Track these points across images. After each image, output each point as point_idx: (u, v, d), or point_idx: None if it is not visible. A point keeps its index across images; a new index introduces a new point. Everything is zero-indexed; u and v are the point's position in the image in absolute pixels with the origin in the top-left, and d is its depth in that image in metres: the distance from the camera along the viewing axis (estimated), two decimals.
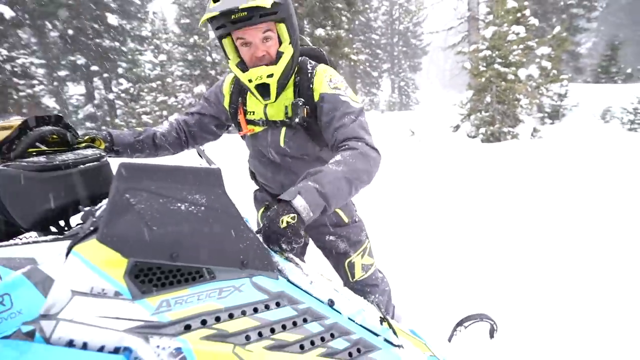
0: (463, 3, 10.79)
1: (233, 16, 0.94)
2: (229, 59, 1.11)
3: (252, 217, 1.53)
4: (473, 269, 2.39)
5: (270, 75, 1.05)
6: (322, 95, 1.10)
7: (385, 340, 0.74)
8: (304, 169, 1.20)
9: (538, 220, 3.19)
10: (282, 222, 0.79)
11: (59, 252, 0.56)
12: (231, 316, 0.60)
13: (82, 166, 0.71)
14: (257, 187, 1.44)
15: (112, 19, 14.89)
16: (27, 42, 13.39)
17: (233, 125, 1.32)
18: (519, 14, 8.72)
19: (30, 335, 0.48)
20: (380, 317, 0.80)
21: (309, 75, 1.13)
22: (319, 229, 1.35)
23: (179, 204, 0.60)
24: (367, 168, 0.99)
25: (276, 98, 1.11)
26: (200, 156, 0.84)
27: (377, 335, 0.73)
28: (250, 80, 1.06)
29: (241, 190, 1.68)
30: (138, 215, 0.54)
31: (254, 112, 1.20)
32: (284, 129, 1.17)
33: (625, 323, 1.73)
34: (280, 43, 1.06)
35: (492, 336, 1.36)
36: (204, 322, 0.57)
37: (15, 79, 9.95)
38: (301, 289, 0.71)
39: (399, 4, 28.41)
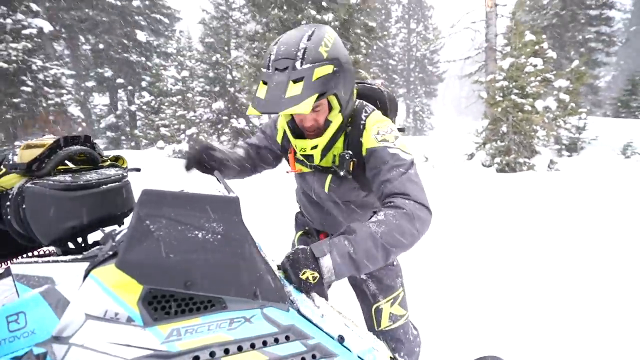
0: (480, 34, 10.96)
1: None
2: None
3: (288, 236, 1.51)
4: (484, 302, 2.30)
5: (315, 147, 1.03)
6: (369, 150, 1.03)
7: None
8: (346, 213, 1.23)
9: (551, 254, 3.08)
10: (304, 274, 0.76)
11: (76, 274, 0.57)
12: (240, 349, 0.59)
13: (104, 186, 0.73)
14: (299, 212, 1.46)
15: (141, 36, 15.71)
16: (61, 53, 14.19)
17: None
18: (536, 47, 8.78)
19: (41, 358, 0.48)
20: (391, 358, 0.78)
21: (361, 127, 1.07)
22: None
23: (196, 232, 0.60)
24: (411, 231, 0.88)
25: (321, 160, 1.08)
26: (219, 181, 0.85)
27: None
28: (296, 146, 1.08)
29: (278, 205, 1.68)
30: (157, 242, 0.55)
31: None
32: (330, 176, 1.16)
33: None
34: (331, 109, 1.02)
35: None
36: (212, 354, 0.56)
37: (46, 88, 10.47)
38: (312, 323, 0.70)
39: (417, 32, 29.06)
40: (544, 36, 9.60)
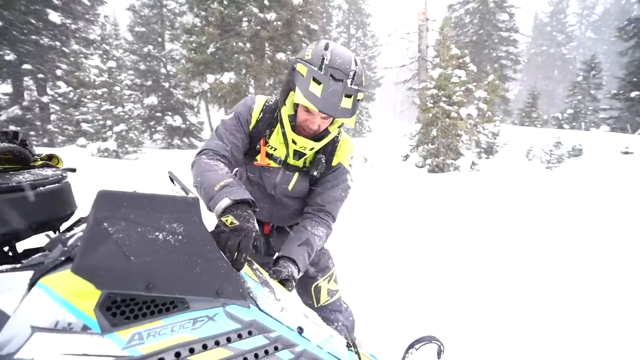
0: (414, 44, 11.88)
1: None
2: (285, 104, 1.17)
3: None
4: (419, 291, 2.54)
5: (312, 149, 1.19)
6: (341, 165, 1.27)
7: None
8: (296, 207, 1.37)
9: (472, 245, 3.51)
10: (282, 283, 1.02)
11: (16, 285, 0.52)
12: (205, 347, 0.59)
13: (41, 188, 0.67)
14: None
15: (54, 16, 13.75)
16: None
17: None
18: (460, 60, 9.83)
19: None
20: (347, 343, 0.84)
21: (336, 142, 1.28)
22: None
23: (156, 233, 0.59)
24: (323, 244, 1.25)
25: (298, 160, 1.25)
26: (174, 182, 0.83)
27: None
28: (294, 142, 1.17)
29: None
30: (116, 245, 0.53)
31: (275, 149, 1.25)
32: (296, 175, 1.26)
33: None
34: (332, 121, 1.18)
35: (439, 356, 1.46)
36: (177, 355, 0.56)
37: None
38: (272, 317, 0.73)
39: (356, 38, 30.29)
40: (466, 51, 10.78)
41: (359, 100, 1.09)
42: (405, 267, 3.00)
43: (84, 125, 11.93)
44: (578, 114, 18.90)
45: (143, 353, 0.53)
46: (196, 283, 0.62)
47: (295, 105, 1.17)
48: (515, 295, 2.49)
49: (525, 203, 5.20)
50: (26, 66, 13.57)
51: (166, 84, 17.87)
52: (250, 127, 1.25)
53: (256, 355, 0.64)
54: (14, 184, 0.64)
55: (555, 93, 36.45)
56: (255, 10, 10.71)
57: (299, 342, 0.72)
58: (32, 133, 14.33)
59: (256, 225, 0.84)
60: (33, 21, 13.26)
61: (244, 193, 0.92)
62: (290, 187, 1.27)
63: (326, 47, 1.07)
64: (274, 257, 1.48)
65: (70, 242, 0.56)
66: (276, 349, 0.68)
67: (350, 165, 1.30)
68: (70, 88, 13.75)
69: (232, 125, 1.21)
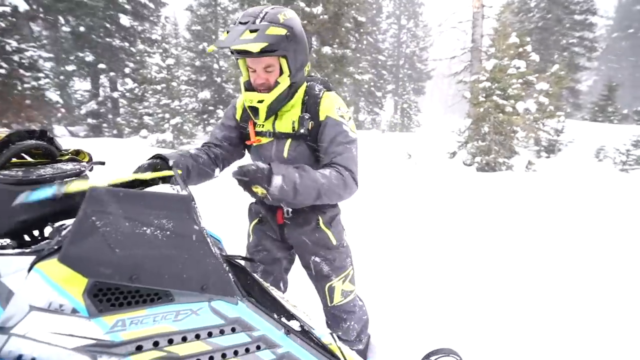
0: (467, 34, 11.12)
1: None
2: (242, 74, 1.25)
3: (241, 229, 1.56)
4: (458, 298, 2.40)
5: (261, 101, 1.19)
6: (329, 117, 1.25)
7: None
8: None
9: (526, 251, 3.22)
10: (256, 188, 1.04)
11: (23, 267, 0.59)
12: (184, 339, 0.62)
13: (59, 181, 0.74)
14: (254, 200, 1.49)
15: (125, 20, 15.19)
16: (38, 35, 13.59)
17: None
18: (520, 49, 8.99)
19: None
20: (340, 350, 0.83)
21: (317, 98, 1.27)
22: (306, 248, 1.40)
23: (144, 228, 0.63)
24: (341, 193, 1.19)
25: (265, 120, 1.25)
26: (176, 179, 0.87)
27: None
28: (250, 102, 1.21)
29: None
30: (102, 238, 0.57)
31: (263, 125, 1.31)
32: (289, 141, 1.28)
33: None
34: (281, 73, 1.19)
35: None
36: (156, 344, 0.59)
37: (21, 71, 10.03)
38: (259, 316, 0.74)
39: (407, 28, 29.14)
40: (528, 39, 9.83)
41: (276, 34, 1.07)
42: (441, 272, 2.85)
43: (146, 118, 13.08)
44: None
45: (123, 339, 0.57)
46: (181, 277, 0.65)
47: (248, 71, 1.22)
48: (557, 316, 2.25)
49: (589, 208, 4.64)
50: (101, 65, 15.22)
51: (218, 79, 18.84)
52: (238, 116, 1.37)
53: (235, 352, 0.66)
54: (35, 177, 0.72)
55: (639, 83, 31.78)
56: (303, 4, 10.78)
57: (284, 343, 0.72)
58: (104, 125, 16.09)
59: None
60: (108, 25, 14.79)
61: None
62: (285, 154, 1.28)
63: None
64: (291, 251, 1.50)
65: (64, 232, 0.62)
66: (258, 347, 0.69)
67: (341, 116, 1.26)
68: (136, 84, 15.13)
69: (221, 121, 1.41)
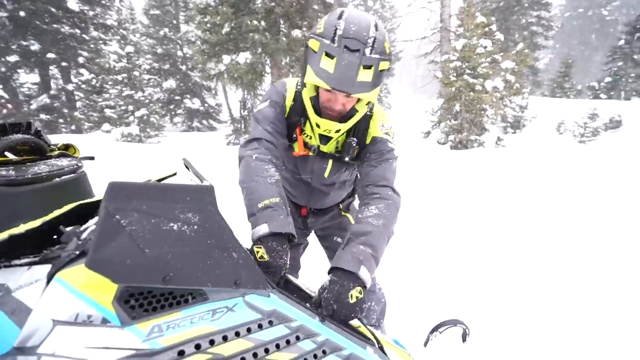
0: (436, 14, 11.23)
1: None
2: (305, 85, 1.08)
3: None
4: (441, 273, 2.49)
5: (338, 131, 1.10)
6: (374, 138, 1.15)
7: (375, 353, 0.75)
8: (335, 190, 1.33)
9: (499, 222, 3.39)
10: (352, 297, 0.79)
11: (35, 278, 0.52)
12: (225, 338, 0.58)
13: (57, 179, 0.66)
14: None
15: (72, 4, 13.91)
16: None
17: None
18: (486, 29, 9.21)
19: None
20: (370, 331, 0.82)
21: (368, 119, 1.15)
22: (328, 231, 1.42)
23: (171, 224, 0.57)
24: (396, 218, 1.05)
25: (326, 144, 1.16)
26: (188, 169, 0.81)
27: (364, 348, 0.75)
28: (317, 126, 1.10)
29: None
30: (129, 238, 0.51)
31: (310, 137, 1.18)
32: (331, 162, 1.21)
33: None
34: (358, 99, 1.07)
35: (464, 340, 1.42)
36: (198, 347, 0.55)
37: None
38: (292, 307, 0.71)
39: (374, 10, 28.97)
40: (492, 18, 10.08)
41: (382, 70, 0.96)
42: (428, 248, 2.94)
43: (108, 111, 12.26)
44: (618, 82, 17.50)
45: (164, 345, 0.52)
46: (214, 274, 0.61)
47: (317, 86, 1.07)
48: (543, 279, 2.40)
49: (554, 180, 4.95)
50: (50, 55, 13.96)
51: (183, 67, 17.95)
52: (285, 115, 1.18)
53: (277, 346, 0.63)
54: (30, 175, 0.64)
55: (591, 60, 33.83)
56: None
57: (321, 331, 0.70)
58: (60, 121, 14.92)
59: (287, 261, 0.84)
60: (53, 9, 13.48)
61: (284, 222, 0.88)
62: (326, 174, 1.24)
63: (340, 16, 0.95)
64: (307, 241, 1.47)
65: (84, 235, 0.55)
66: (298, 338, 0.66)
67: (386, 133, 1.16)
68: (93, 75, 14.07)
69: (270, 112, 1.14)
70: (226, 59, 10.92)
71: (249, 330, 0.61)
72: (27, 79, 15.74)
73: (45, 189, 0.67)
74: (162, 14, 17.72)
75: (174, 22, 17.81)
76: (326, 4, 11.97)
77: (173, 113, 18.46)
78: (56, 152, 0.79)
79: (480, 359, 1.51)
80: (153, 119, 12.10)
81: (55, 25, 13.69)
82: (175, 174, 0.84)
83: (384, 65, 0.96)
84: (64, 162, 0.73)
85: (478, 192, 4.62)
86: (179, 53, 18.05)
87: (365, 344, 0.75)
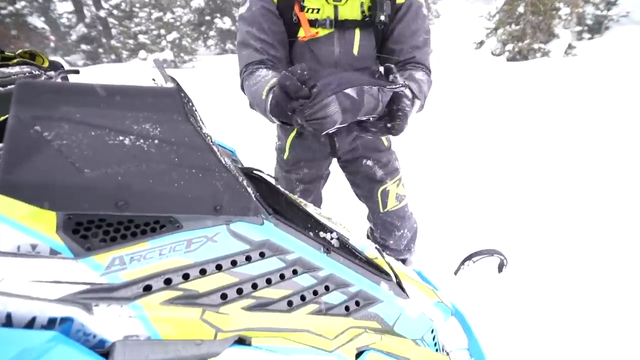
0: None
1: None
2: None
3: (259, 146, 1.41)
4: (488, 201, 2.30)
5: None
6: (411, 0, 0.97)
7: (391, 289, 0.65)
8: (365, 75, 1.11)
9: (560, 151, 2.98)
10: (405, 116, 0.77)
11: None
12: (203, 272, 0.50)
13: (0, 89, 0.55)
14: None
15: None
16: None
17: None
18: None
19: None
20: (388, 264, 0.71)
21: None
22: (357, 153, 1.25)
23: (120, 137, 0.45)
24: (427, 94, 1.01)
25: (346, 0, 0.94)
26: (159, 70, 0.66)
27: (378, 284, 0.65)
28: None
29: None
30: (57, 154, 0.40)
31: (317, 10, 0.95)
32: (357, 31, 0.98)
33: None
34: None
35: (500, 271, 1.31)
36: (168, 282, 0.47)
37: None
38: (291, 236, 0.60)
39: None
40: None
41: None
42: (473, 174, 2.70)
43: (141, 37, 12.09)
44: None
45: (125, 280, 0.45)
46: (185, 198, 0.50)
47: None
48: (602, 219, 2.11)
49: (635, 98, 4.13)
50: None
51: None
52: (275, 0, 0.96)
53: (268, 281, 0.54)
54: None
55: None
56: None
57: (324, 264, 0.60)
58: (100, 50, 15.14)
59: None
60: None
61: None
62: (355, 50, 1.00)
63: None
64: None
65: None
66: (295, 272, 0.57)
67: None
68: None
69: (254, 16, 0.94)
70: None
71: (233, 264, 0.52)
72: (63, 8, 15.70)
73: None
74: None
75: None
76: None
77: (205, 35, 17.81)
78: (15, 60, 0.68)
79: (516, 294, 1.41)
80: (185, 42, 11.77)
81: None
82: (152, 79, 0.70)
83: None
84: (15, 69, 0.61)
85: (535, 114, 4.03)
86: None
87: (379, 279, 0.65)
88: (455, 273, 1.25)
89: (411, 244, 1.46)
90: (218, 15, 16.97)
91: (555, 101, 4.31)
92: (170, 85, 0.52)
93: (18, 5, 9.42)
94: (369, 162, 1.26)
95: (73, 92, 0.42)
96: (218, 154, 0.54)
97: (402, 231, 1.37)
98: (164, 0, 11.47)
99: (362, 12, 0.95)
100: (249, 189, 0.60)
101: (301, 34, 0.95)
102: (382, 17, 0.93)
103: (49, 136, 0.40)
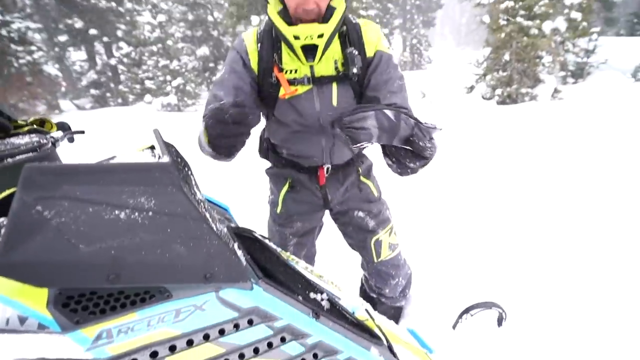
0: None
1: None
2: (268, 2, 1.00)
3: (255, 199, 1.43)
4: (483, 247, 2.28)
5: (321, 36, 0.95)
6: (380, 52, 1.05)
7: (381, 355, 0.64)
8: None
9: (552, 190, 3.02)
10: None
11: None
12: (190, 343, 0.50)
13: (9, 160, 0.59)
14: (272, 165, 1.28)
15: None
16: (22, 4, 12.86)
17: (262, 90, 1.08)
18: None
19: None
20: (377, 326, 0.71)
21: (355, 26, 1.05)
22: (348, 205, 1.27)
23: (116, 211, 0.47)
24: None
25: (320, 59, 1.00)
26: (157, 142, 0.70)
27: (368, 350, 0.64)
28: (296, 38, 0.95)
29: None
30: (56, 233, 0.42)
31: (295, 70, 1.02)
32: (334, 85, 1.04)
33: None
34: None
35: (500, 324, 1.27)
36: (154, 355, 0.47)
37: (13, 45, 9.65)
38: (281, 300, 0.61)
39: None
40: None
41: None
42: (466, 219, 2.71)
43: (147, 83, 12.69)
44: None
45: (111, 354, 0.45)
46: (175, 267, 0.51)
47: None
48: (603, 267, 2.10)
49: (623, 135, 4.28)
50: (92, 31, 14.51)
51: (215, 32, 17.81)
52: (254, 65, 1.04)
53: (256, 350, 0.53)
54: None
55: None
56: None
57: (313, 330, 0.59)
58: (108, 95, 15.81)
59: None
60: None
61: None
62: (334, 102, 1.05)
63: None
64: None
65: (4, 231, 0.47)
66: (283, 340, 0.56)
67: (388, 48, 1.08)
68: (131, 47, 14.48)
69: (228, 75, 1.03)
70: (254, 19, 10.57)
71: (221, 332, 0.52)
72: (76, 57, 16.65)
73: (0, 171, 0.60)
74: None
75: None
76: None
77: (209, 81, 18.69)
78: (26, 129, 0.72)
79: (517, 347, 1.35)
80: (189, 87, 12.33)
81: (92, 1, 14.05)
82: (152, 147, 0.74)
83: None
84: (24, 139, 0.66)
85: (527, 154, 4.14)
86: (210, 18, 17.86)
87: (369, 344, 0.64)
88: (454, 327, 1.22)
89: (406, 290, 1.45)
90: (222, 62, 17.98)
91: (545, 142, 4.45)
92: (166, 159, 0.56)
93: (35, 55, 9.98)
94: (360, 214, 1.27)
95: (74, 171, 0.46)
96: (210, 220, 0.56)
97: (397, 279, 1.36)
98: (172, 49, 12.22)
99: (336, 68, 1.03)
100: (240, 253, 0.61)
101: (282, 92, 1.02)
102: (355, 70, 0.99)
103: (49, 215, 0.42)
